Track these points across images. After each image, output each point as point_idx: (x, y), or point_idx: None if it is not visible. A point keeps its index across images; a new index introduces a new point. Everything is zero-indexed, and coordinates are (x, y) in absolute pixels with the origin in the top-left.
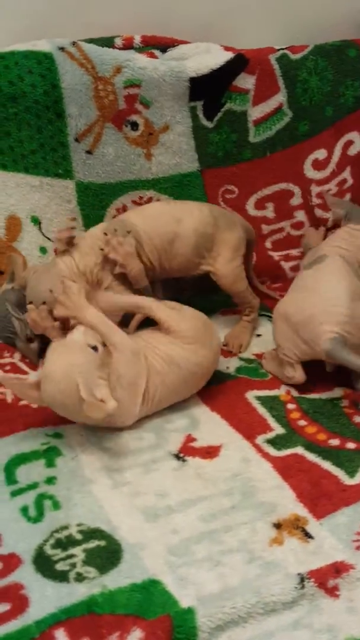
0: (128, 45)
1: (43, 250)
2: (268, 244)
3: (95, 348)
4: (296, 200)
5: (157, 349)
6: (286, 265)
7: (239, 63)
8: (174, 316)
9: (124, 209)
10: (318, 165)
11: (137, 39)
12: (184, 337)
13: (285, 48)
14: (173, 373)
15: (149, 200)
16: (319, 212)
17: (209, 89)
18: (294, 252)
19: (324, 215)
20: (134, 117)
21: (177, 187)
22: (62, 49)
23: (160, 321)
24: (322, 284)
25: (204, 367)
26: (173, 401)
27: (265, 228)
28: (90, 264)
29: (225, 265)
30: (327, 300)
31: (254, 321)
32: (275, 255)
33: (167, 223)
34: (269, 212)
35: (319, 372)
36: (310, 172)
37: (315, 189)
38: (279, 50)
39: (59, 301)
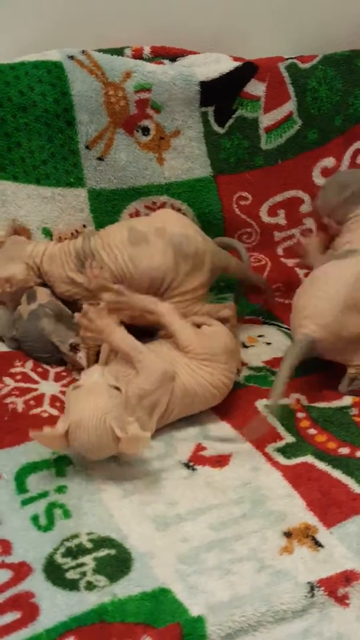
0: (137, 56)
1: None
2: (280, 251)
3: (117, 388)
4: (306, 208)
5: (187, 374)
6: (301, 273)
7: (249, 70)
8: (188, 330)
9: (137, 214)
10: (327, 173)
11: (147, 50)
12: (195, 354)
13: (295, 57)
14: (194, 396)
15: (162, 205)
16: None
17: (220, 95)
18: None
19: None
20: (145, 122)
21: (191, 192)
22: (71, 57)
23: (177, 334)
24: (330, 278)
25: (219, 389)
26: (187, 415)
27: (278, 235)
28: (55, 274)
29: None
30: (322, 297)
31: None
32: (288, 262)
33: (124, 260)
34: (281, 219)
35: (329, 380)
36: (318, 180)
37: None
38: (288, 59)
39: (83, 326)
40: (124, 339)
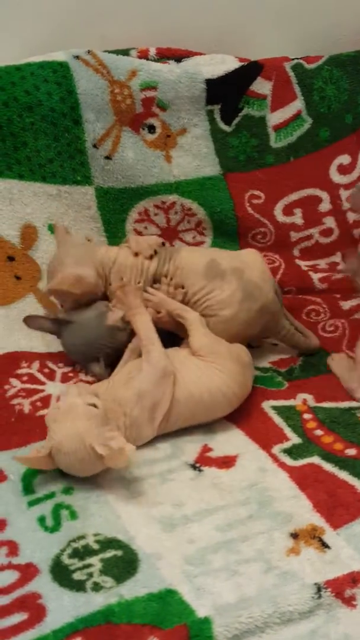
0: (143, 57)
1: None
2: (296, 252)
3: (95, 405)
4: (325, 206)
5: (193, 375)
6: (315, 276)
7: (254, 68)
8: (207, 338)
9: (146, 213)
10: (343, 169)
11: (152, 51)
12: (204, 357)
13: (300, 58)
14: (199, 400)
15: (172, 205)
16: (351, 217)
17: (226, 93)
18: (322, 263)
19: (357, 218)
20: (151, 120)
21: (200, 190)
22: (77, 57)
23: (193, 339)
24: None
25: (227, 396)
26: (192, 424)
27: (294, 235)
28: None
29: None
30: None
31: None
32: (303, 264)
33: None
34: (298, 218)
35: (336, 381)
36: (336, 177)
37: (344, 193)
38: (293, 59)
39: (117, 297)
40: (145, 322)
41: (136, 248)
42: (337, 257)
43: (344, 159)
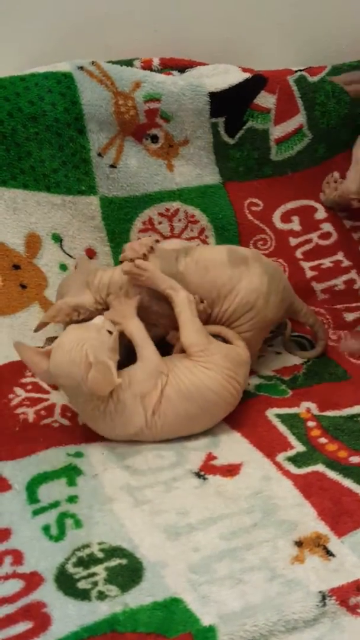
0: (147, 68)
1: (63, 267)
2: (299, 254)
3: (110, 332)
4: (320, 215)
5: (183, 375)
6: (317, 287)
7: (258, 82)
8: (195, 326)
9: (150, 222)
10: None
11: (156, 62)
12: (195, 354)
13: (303, 69)
14: (191, 399)
15: (176, 212)
16: (348, 223)
17: (230, 106)
18: (327, 262)
19: (355, 224)
20: (154, 131)
21: (203, 197)
22: (81, 68)
23: (184, 333)
24: None
25: (220, 396)
26: (190, 431)
27: (293, 241)
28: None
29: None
30: None
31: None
32: (307, 265)
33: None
34: (295, 225)
35: (339, 389)
36: None
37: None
38: (296, 71)
39: (112, 306)
40: (138, 328)
41: (132, 255)
42: (339, 256)
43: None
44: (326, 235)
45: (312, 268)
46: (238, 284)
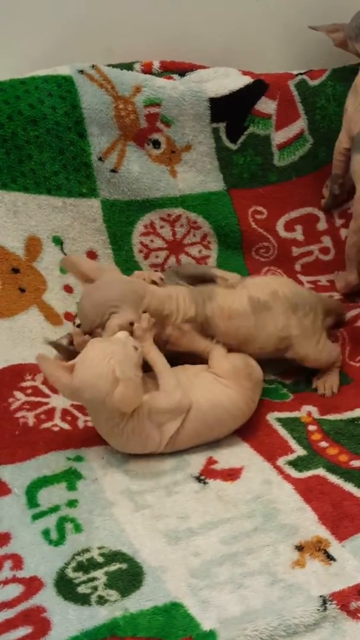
0: (147, 71)
1: (63, 270)
2: (298, 267)
3: (136, 348)
4: (322, 225)
5: (200, 394)
6: None
7: (259, 87)
8: (228, 362)
9: (152, 225)
10: None
11: (156, 65)
12: (221, 371)
13: (304, 73)
14: (204, 419)
15: (178, 218)
16: (344, 233)
17: (231, 111)
18: (323, 279)
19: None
20: (156, 136)
21: (206, 204)
22: (81, 71)
23: (216, 363)
24: None
25: (232, 414)
26: (196, 444)
27: (296, 250)
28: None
29: (309, 350)
30: None
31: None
32: (305, 280)
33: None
34: (298, 234)
35: (340, 393)
36: None
37: (336, 211)
38: (297, 75)
39: (136, 335)
40: (158, 353)
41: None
42: (334, 276)
43: None
44: (325, 251)
45: (309, 282)
46: (266, 329)
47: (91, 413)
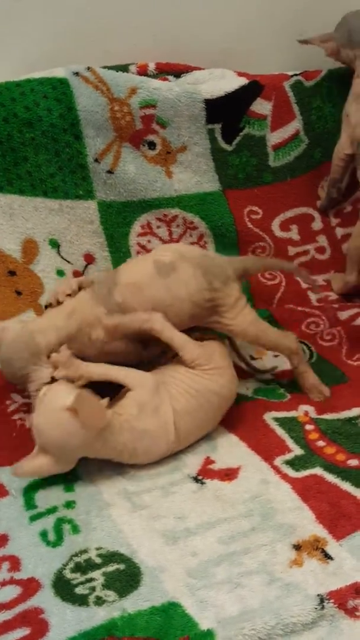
0: (142, 73)
1: (60, 272)
2: None
3: (73, 381)
4: (317, 225)
5: (182, 383)
6: (313, 297)
7: (254, 88)
8: (190, 344)
9: (149, 226)
10: None
11: (152, 66)
12: (201, 366)
13: (299, 74)
14: (199, 406)
15: (174, 218)
16: (339, 232)
17: (226, 113)
18: (320, 279)
19: (345, 232)
20: (151, 137)
21: (202, 204)
22: (76, 73)
23: (175, 348)
24: None
25: (222, 396)
26: (198, 436)
27: (292, 250)
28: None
29: (238, 322)
30: None
31: (306, 364)
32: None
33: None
34: (294, 234)
35: (337, 391)
36: None
37: (331, 210)
38: (292, 76)
39: (60, 365)
40: (102, 366)
41: (54, 297)
42: (330, 276)
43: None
44: (321, 250)
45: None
46: (178, 293)
47: (89, 453)
